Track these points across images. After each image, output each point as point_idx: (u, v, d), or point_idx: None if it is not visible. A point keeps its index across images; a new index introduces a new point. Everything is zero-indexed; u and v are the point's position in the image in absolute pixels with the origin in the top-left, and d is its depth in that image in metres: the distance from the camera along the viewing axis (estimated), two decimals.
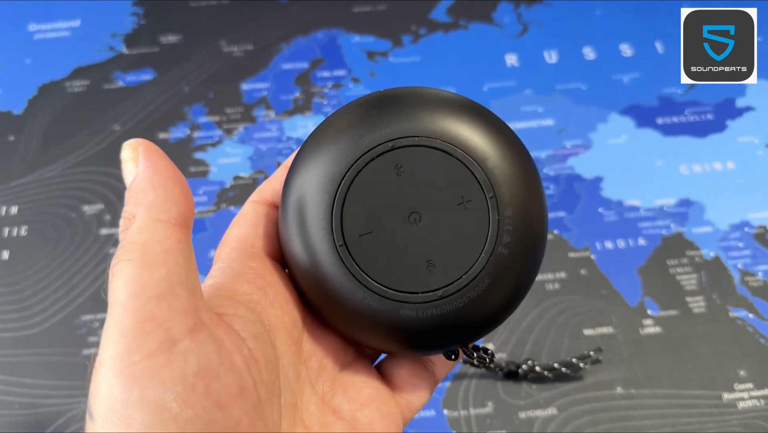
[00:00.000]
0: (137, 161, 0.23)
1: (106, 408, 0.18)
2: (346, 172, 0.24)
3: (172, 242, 0.20)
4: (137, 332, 0.18)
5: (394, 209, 0.24)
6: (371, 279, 0.24)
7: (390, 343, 0.25)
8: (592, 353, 0.42)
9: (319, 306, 0.25)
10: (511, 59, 0.58)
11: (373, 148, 0.24)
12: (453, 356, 0.25)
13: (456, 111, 0.25)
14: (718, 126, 0.54)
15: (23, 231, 0.48)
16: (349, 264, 0.24)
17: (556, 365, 0.41)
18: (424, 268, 0.24)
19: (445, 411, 0.41)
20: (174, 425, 0.18)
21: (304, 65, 0.58)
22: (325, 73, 0.57)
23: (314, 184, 0.24)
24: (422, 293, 0.23)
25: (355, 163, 0.24)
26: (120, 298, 0.19)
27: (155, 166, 0.22)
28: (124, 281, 0.19)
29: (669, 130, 0.54)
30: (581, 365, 0.41)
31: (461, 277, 0.23)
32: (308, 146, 0.25)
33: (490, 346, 0.44)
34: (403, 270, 0.24)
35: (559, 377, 0.42)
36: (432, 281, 0.24)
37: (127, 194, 0.22)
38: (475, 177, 0.24)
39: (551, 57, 0.58)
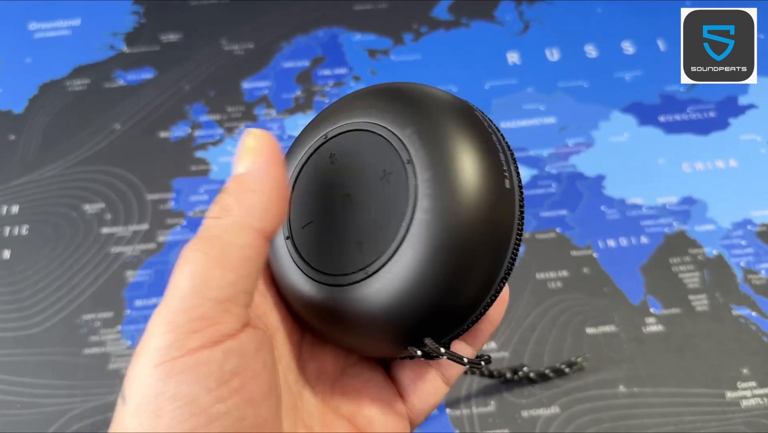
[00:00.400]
0: (257, 157, 0.21)
1: (139, 397, 0.18)
2: (295, 171, 0.25)
3: (252, 252, 0.20)
4: (186, 329, 0.18)
5: (330, 196, 0.24)
6: (312, 267, 0.23)
7: (344, 336, 0.24)
8: (579, 359, 0.42)
9: (290, 306, 0.25)
10: (513, 57, 0.58)
11: (313, 143, 0.25)
12: (434, 355, 0.23)
13: (393, 96, 0.24)
14: (720, 124, 0.54)
15: (24, 230, 0.48)
16: (294, 256, 0.24)
17: (547, 371, 0.41)
18: (355, 249, 0.23)
19: (448, 410, 0.41)
20: (204, 418, 0.18)
21: (305, 63, 0.57)
22: (326, 72, 0.57)
23: None
24: (352, 273, 0.22)
25: (300, 162, 0.25)
26: (181, 288, 0.19)
27: (271, 172, 0.21)
28: (191, 272, 0.19)
29: (671, 128, 0.54)
30: (566, 370, 0.42)
31: (385, 251, 0.22)
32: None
33: (493, 345, 0.44)
34: (339, 254, 0.23)
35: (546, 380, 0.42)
36: (361, 260, 0.22)
37: (231, 183, 0.21)
38: (393, 147, 0.23)
39: (553, 55, 0.58)
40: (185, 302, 0.19)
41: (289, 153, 0.26)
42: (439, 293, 0.22)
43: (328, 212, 0.24)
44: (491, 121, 0.25)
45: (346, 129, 0.25)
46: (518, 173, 0.24)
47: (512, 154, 0.24)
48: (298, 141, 0.26)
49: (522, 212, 0.23)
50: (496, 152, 0.23)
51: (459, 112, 0.23)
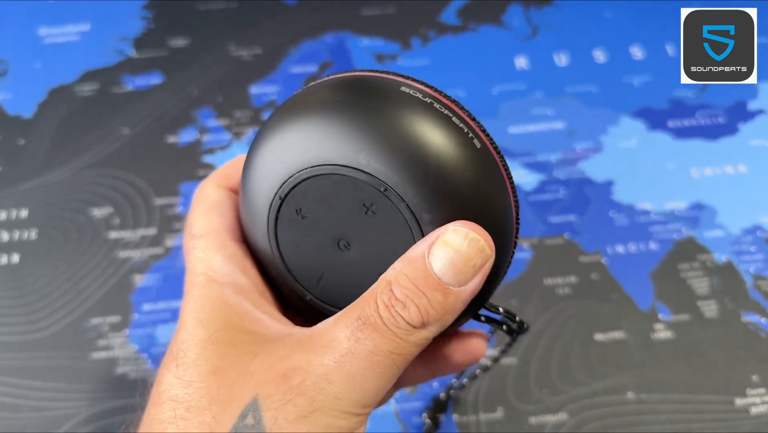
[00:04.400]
0: (477, 277, 0.22)
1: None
2: (268, 238, 0.25)
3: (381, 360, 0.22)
4: None
5: (324, 246, 0.24)
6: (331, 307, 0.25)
7: None
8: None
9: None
10: (521, 62, 0.58)
11: (269, 206, 0.24)
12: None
13: (319, 123, 0.22)
14: (729, 129, 0.54)
15: (33, 234, 0.48)
16: (327, 310, 0.25)
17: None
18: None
19: (455, 416, 0.41)
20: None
21: (313, 68, 0.58)
22: None
23: (253, 211, 0.25)
24: None
25: (268, 228, 0.25)
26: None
27: (471, 292, 0.22)
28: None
29: (680, 134, 0.53)
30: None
31: None
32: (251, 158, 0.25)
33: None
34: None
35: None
36: None
37: (439, 293, 0.22)
38: (360, 181, 0.22)
39: (561, 60, 0.58)
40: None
41: (243, 205, 0.26)
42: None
43: (333, 260, 0.24)
44: (420, 83, 0.24)
45: (296, 182, 0.23)
46: (482, 128, 0.23)
47: (463, 109, 0.24)
48: (247, 194, 0.25)
49: (504, 163, 0.23)
50: (448, 123, 0.22)
51: (393, 106, 0.22)
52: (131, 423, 0.25)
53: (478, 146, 0.22)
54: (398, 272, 0.22)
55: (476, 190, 0.22)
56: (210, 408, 0.22)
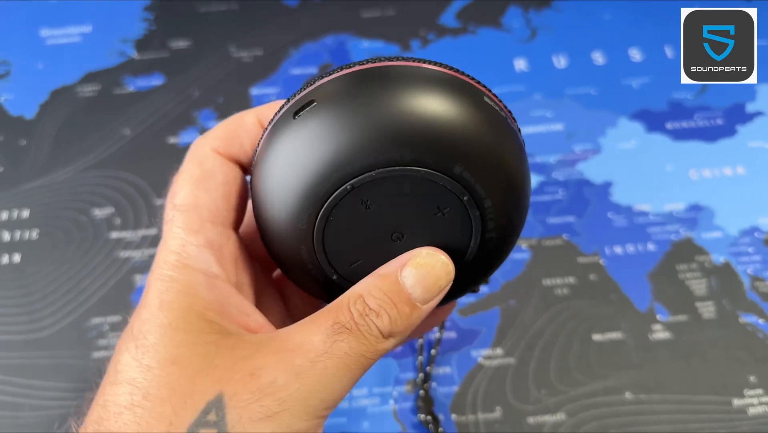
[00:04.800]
0: (435, 301, 0.25)
1: None
2: (315, 219, 0.24)
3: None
4: None
5: (376, 237, 0.24)
6: None
7: None
8: None
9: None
10: (520, 64, 0.58)
11: (335, 192, 0.23)
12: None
13: (414, 118, 0.22)
14: (728, 131, 0.54)
15: (34, 234, 0.49)
16: (341, 284, 0.25)
17: None
18: None
19: (453, 416, 0.41)
20: None
21: (313, 70, 0.58)
22: None
23: (294, 205, 0.23)
24: None
25: (322, 207, 0.23)
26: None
27: (430, 309, 0.25)
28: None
29: (679, 135, 0.54)
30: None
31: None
32: (292, 139, 0.23)
33: (499, 351, 0.44)
34: None
35: None
36: None
37: (406, 306, 0.24)
38: (446, 188, 0.23)
39: (560, 62, 0.58)
40: None
41: (282, 171, 0.23)
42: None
43: (380, 248, 0.24)
44: (492, 95, 0.26)
45: (379, 177, 0.22)
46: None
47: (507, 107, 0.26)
48: (298, 169, 0.23)
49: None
50: (519, 145, 0.25)
51: (486, 122, 0.23)
52: (82, 405, 0.24)
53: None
54: (371, 285, 0.24)
55: (527, 204, 0.25)
56: (170, 399, 0.21)
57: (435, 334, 0.44)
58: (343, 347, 0.22)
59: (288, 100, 0.25)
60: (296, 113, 0.23)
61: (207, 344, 0.23)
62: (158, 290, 0.24)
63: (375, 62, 0.25)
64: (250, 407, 0.21)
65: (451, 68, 0.25)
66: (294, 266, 0.26)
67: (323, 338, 0.23)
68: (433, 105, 0.22)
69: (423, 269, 0.24)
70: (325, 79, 0.24)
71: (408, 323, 0.24)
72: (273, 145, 0.24)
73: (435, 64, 0.25)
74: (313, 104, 0.23)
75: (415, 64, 0.25)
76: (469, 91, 0.24)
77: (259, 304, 0.28)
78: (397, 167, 0.22)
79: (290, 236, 0.24)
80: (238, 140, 0.27)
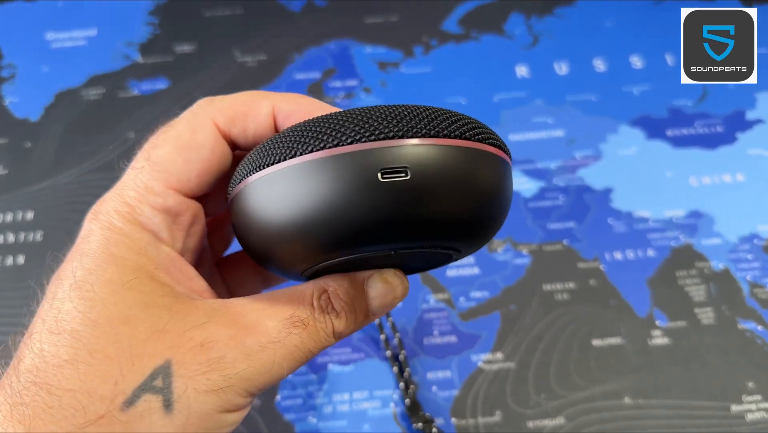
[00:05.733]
0: (385, 310, 0.26)
1: None
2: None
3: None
4: None
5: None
6: None
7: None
8: None
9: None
10: (522, 70, 0.59)
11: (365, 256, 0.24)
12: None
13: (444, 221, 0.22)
14: (728, 138, 0.54)
15: (38, 236, 0.49)
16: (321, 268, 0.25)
17: None
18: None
19: (453, 420, 0.42)
20: None
21: (317, 75, 0.58)
22: (337, 83, 0.58)
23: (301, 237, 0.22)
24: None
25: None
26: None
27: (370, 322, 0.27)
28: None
29: (679, 142, 0.54)
30: None
31: None
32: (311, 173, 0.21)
33: (499, 355, 0.44)
34: None
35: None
36: None
37: (356, 300, 0.25)
38: (447, 254, 0.25)
39: (562, 68, 0.59)
40: None
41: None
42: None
43: (370, 255, 0.25)
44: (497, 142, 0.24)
45: (385, 253, 0.23)
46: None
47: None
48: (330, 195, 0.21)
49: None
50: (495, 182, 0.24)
51: (484, 196, 0.23)
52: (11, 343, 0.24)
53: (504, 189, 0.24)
54: (339, 286, 0.25)
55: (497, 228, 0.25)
56: (117, 359, 0.21)
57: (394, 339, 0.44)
58: (294, 340, 0.23)
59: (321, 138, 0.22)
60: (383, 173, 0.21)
61: (159, 307, 0.22)
62: (106, 241, 0.23)
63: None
64: (196, 378, 0.21)
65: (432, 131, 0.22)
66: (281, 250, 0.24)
67: (278, 327, 0.23)
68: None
69: (388, 286, 0.26)
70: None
71: (356, 329, 0.25)
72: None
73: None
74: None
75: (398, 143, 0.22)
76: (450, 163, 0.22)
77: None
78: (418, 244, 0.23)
79: (277, 225, 0.23)
80: (243, 123, 0.26)
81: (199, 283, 0.25)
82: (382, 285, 0.26)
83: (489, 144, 0.22)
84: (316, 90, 0.57)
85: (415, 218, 0.21)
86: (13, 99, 0.57)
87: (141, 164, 0.25)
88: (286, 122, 0.26)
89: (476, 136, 0.22)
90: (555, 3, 0.63)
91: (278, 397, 0.43)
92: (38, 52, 0.60)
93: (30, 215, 0.50)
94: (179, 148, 0.25)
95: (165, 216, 0.25)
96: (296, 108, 0.26)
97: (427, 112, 0.22)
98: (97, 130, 0.55)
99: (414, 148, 0.21)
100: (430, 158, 0.21)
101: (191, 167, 0.25)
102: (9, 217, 0.50)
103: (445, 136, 0.21)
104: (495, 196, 0.23)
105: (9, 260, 0.48)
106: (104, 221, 0.24)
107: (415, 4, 0.63)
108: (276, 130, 0.27)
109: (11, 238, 0.49)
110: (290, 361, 0.23)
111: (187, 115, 0.27)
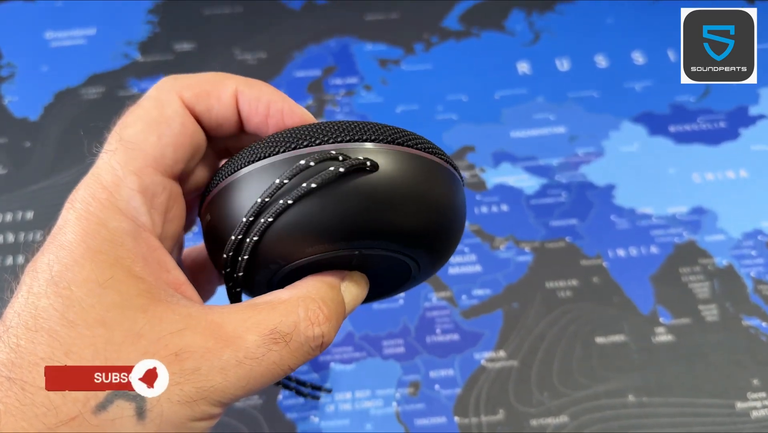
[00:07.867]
0: (350, 311, 0.26)
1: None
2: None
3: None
4: None
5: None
6: None
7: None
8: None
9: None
10: (523, 67, 0.58)
11: (328, 255, 0.24)
12: None
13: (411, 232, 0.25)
14: (730, 134, 0.54)
15: (38, 237, 0.49)
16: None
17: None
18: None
19: (456, 418, 0.41)
20: None
21: (317, 73, 0.58)
22: (338, 81, 0.57)
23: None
24: None
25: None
26: None
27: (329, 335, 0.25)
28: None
29: (681, 138, 0.54)
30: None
31: None
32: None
33: (502, 353, 0.44)
34: None
35: None
36: None
37: (338, 306, 0.25)
38: (408, 265, 0.26)
39: (563, 65, 0.58)
40: None
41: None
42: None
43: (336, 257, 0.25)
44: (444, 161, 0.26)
45: (369, 253, 0.24)
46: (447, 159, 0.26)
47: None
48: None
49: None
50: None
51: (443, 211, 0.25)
52: None
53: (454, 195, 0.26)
54: (324, 294, 0.25)
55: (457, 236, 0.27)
56: (92, 362, 0.21)
57: None
58: (273, 357, 0.22)
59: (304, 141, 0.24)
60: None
61: (136, 309, 0.22)
62: (83, 231, 0.23)
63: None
64: (170, 388, 0.21)
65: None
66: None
67: (258, 342, 0.22)
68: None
69: (360, 289, 0.26)
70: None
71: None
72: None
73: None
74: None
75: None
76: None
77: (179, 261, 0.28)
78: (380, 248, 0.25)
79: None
80: (207, 102, 0.26)
81: (176, 275, 0.25)
82: (355, 288, 0.26)
83: (439, 158, 0.25)
84: (316, 88, 0.57)
85: (375, 208, 0.23)
86: (13, 98, 0.57)
87: (113, 146, 0.25)
88: (247, 107, 0.27)
89: (427, 149, 0.25)
90: None
91: (280, 396, 0.42)
92: (38, 52, 0.60)
93: (30, 215, 0.50)
94: (150, 124, 0.25)
95: (143, 197, 0.24)
96: (258, 95, 0.26)
97: (384, 128, 0.24)
98: (96, 130, 0.54)
99: (370, 150, 0.23)
100: (389, 161, 0.23)
101: (165, 141, 0.25)
102: (9, 217, 0.50)
103: (398, 144, 0.24)
104: (447, 200, 0.25)
105: (9, 260, 0.48)
106: (80, 210, 0.24)
107: (416, 1, 0.63)
108: (238, 113, 0.27)
109: (11, 238, 0.49)
110: (267, 377, 0.23)
111: (152, 92, 0.26)
